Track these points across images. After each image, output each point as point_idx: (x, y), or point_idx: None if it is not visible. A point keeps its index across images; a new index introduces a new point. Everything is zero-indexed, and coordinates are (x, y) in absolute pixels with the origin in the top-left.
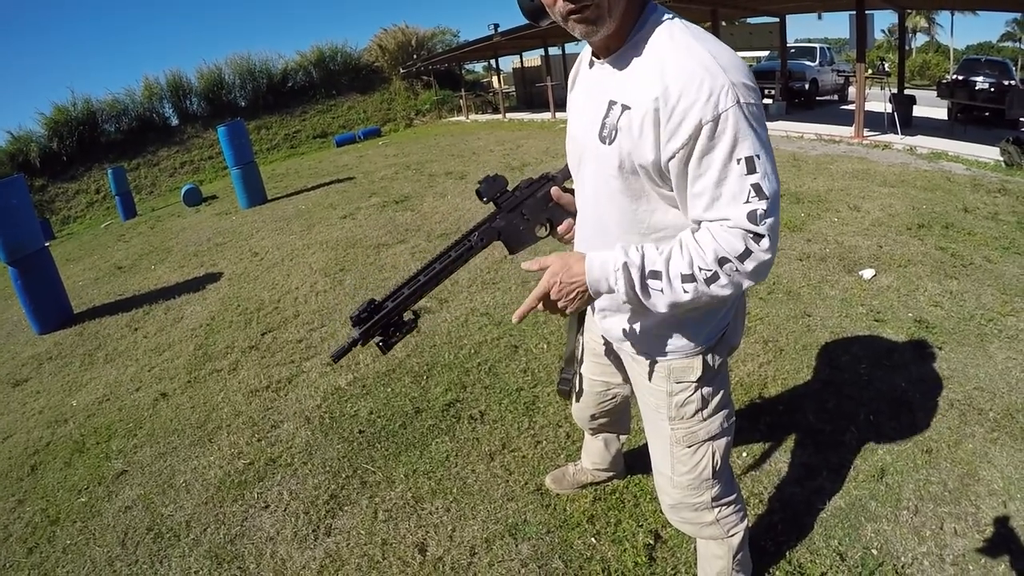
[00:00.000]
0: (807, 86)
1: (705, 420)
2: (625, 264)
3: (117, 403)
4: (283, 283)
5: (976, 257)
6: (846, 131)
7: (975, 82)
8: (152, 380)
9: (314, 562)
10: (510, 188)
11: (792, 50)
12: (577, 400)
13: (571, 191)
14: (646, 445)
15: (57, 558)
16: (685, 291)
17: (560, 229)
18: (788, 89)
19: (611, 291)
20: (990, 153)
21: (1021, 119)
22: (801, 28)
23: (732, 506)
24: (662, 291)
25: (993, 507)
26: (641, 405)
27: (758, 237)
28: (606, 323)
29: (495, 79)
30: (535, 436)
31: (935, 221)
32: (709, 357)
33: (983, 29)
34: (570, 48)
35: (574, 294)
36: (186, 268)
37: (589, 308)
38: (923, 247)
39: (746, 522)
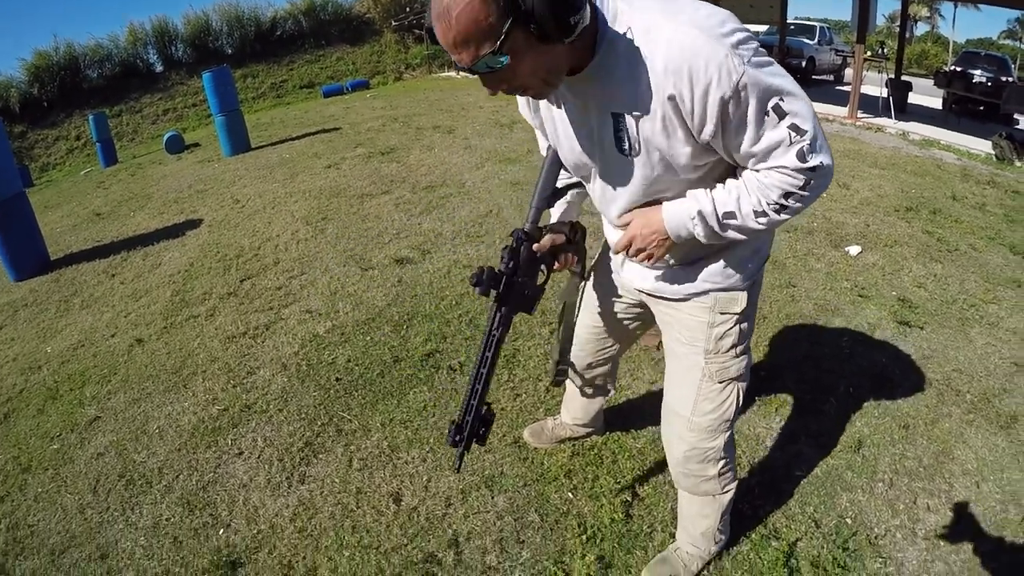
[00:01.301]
0: (804, 64)
1: (737, 357)
2: (700, 212)
3: (92, 349)
4: (264, 231)
5: (962, 244)
6: (840, 111)
7: (973, 75)
8: (128, 326)
9: (287, 509)
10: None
11: (791, 27)
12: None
13: (540, 228)
14: (627, 403)
15: (28, 506)
16: (760, 223)
17: (544, 247)
18: (785, 66)
19: (691, 236)
20: (981, 146)
21: (1015, 116)
22: (802, 6)
23: (731, 462)
24: (739, 227)
25: (966, 487)
26: (671, 344)
27: (812, 169)
28: (643, 277)
29: None
30: (514, 389)
31: (923, 206)
32: (751, 292)
33: (985, 24)
34: None
35: (656, 243)
36: (166, 215)
37: (596, 272)
38: (910, 229)
39: (736, 483)
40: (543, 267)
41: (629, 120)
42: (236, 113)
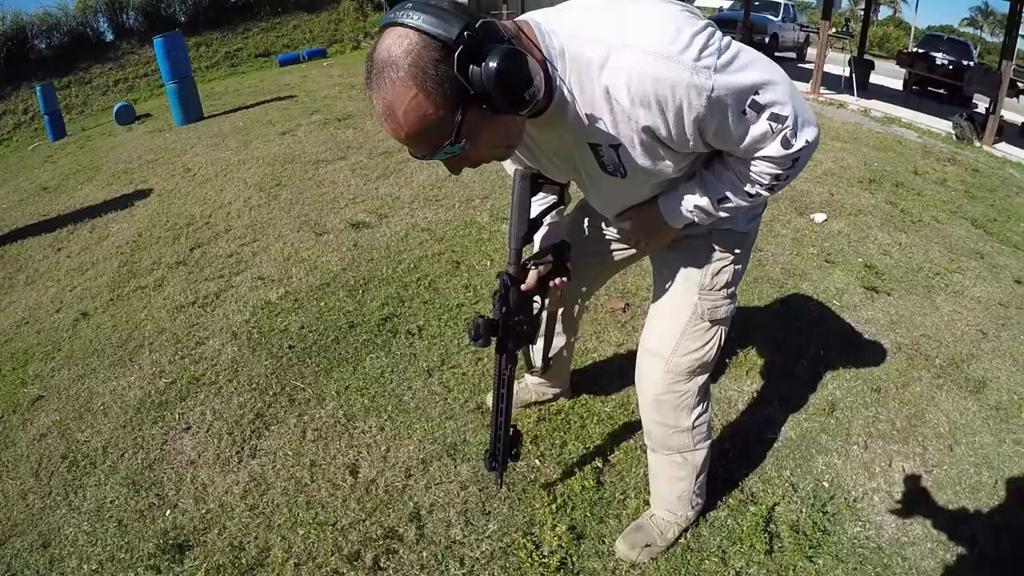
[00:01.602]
0: (767, 40)
1: (727, 299)
2: (696, 205)
3: (36, 326)
4: (215, 198)
5: (925, 216)
6: (802, 87)
7: (935, 57)
8: (73, 300)
9: (237, 486)
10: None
11: (756, 3)
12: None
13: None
14: (593, 367)
15: None
16: (752, 198)
17: (531, 286)
18: (749, 41)
19: (690, 222)
20: (941, 125)
21: (974, 100)
22: None
23: (705, 416)
24: (734, 207)
25: (940, 450)
26: (662, 282)
27: (799, 151)
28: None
29: None
30: (476, 353)
31: (886, 178)
32: (750, 233)
33: (946, 12)
34: None
35: (659, 235)
36: (114, 186)
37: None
38: (873, 200)
39: (710, 443)
40: (536, 299)
41: (606, 150)
42: (188, 80)
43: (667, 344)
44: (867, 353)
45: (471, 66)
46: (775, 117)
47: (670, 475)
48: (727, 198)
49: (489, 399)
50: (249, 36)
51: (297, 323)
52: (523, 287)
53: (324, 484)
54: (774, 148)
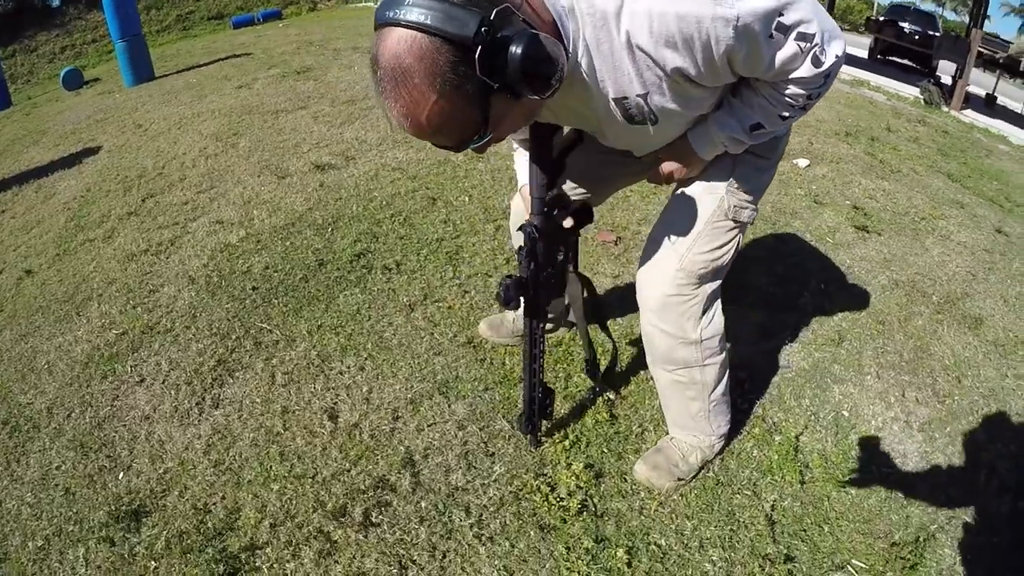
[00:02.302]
0: None
1: (751, 202)
2: (730, 136)
3: None
4: (169, 150)
5: (903, 167)
6: None
7: (903, 26)
8: (17, 260)
9: (198, 440)
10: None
11: None
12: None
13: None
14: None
15: None
16: (785, 120)
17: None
18: None
19: (723, 151)
20: (909, 91)
21: (937, 71)
22: None
23: (715, 329)
24: (767, 132)
25: (948, 381)
26: (683, 181)
27: (829, 67)
28: None
29: None
30: (462, 286)
31: (861, 133)
32: (782, 140)
33: None
34: None
35: (693, 167)
36: (62, 146)
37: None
38: (852, 151)
39: (725, 359)
40: (561, 249)
41: (636, 100)
42: (139, 39)
43: (684, 241)
44: (867, 288)
45: (493, 62)
46: (802, 36)
47: (679, 395)
48: (759, 125)
49: (483, 327)
50: None
51: (260, 264)
52: (566, 225)
53: (299, 432)
54: (805, 68)
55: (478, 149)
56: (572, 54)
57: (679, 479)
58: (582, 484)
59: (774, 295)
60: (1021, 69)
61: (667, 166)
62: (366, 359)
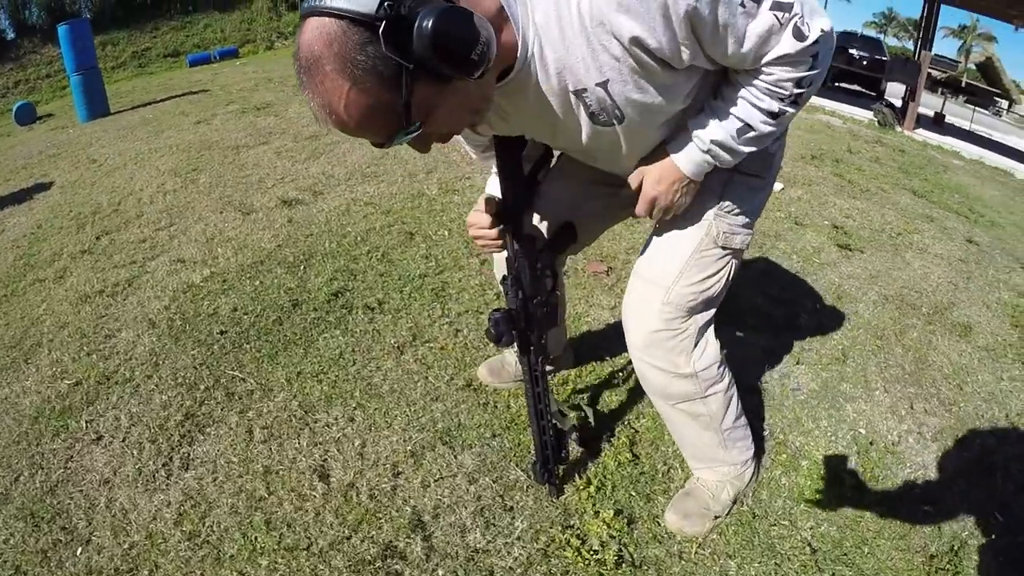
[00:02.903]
0: None
1: (744, 227)
2: (713, 141)
3: None
4: (125, 186)
5: (871, 186)
6: None
7: (852, 52)
8: None
9: (168, 508)
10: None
11: None
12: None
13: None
14: (589, 333)
15: None
16: (777, 119)
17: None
18: None
19: (713, 166)
20: (862, 114)
21: (886, 94)
22: None
23: (711, 359)
24: (757, 137)
25: (951, 389)
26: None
27: (815, 42)
28: None
29: None
30: (452, 324)
31: (825, 155)
32: (776, 156)
33: (848, 18)
34: None
35: (680, 192)
36: (12, 181)
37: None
38: (821, 173)
39: (729, 383)
40: (548, 273)
41: (596, 91)
42: (94, 72)
43: (670, 270)
44: (860, 304)
45: (403, 39)
46: (778, 5)
47: (689, 428)
48: (748, 126)
49: (483, 371)
50: (158, 35)
51: (228, 305)
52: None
53: (286, 496)
54: (787, 43)
55: (418, 144)
56: (523, 44)
57: (716, 517)
58: (615, 533)
59: (774, 317)
60: (963, 86)
61: (648, 189)
62: (355, 408)
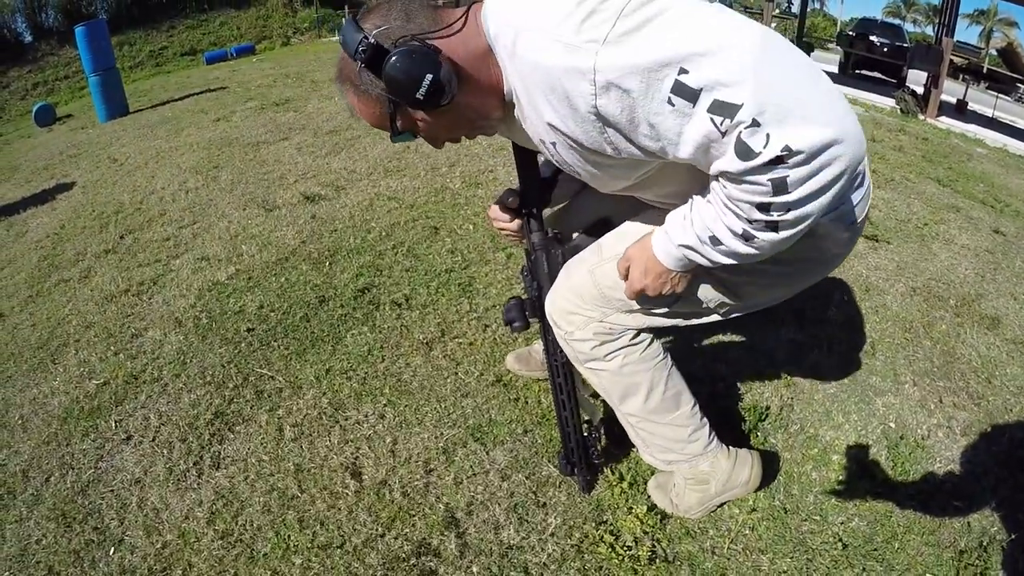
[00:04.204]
0: None
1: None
2: (682, 245)
3: None
4: (146, 185)
5: (895, 176)
6: None
7: (873, 39)
8: None
9: (200, 507)
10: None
11: None
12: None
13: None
14: None
15: None
16: (753, 248)
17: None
18: None
19: (694, 263)
20: (884, 102)
21: (907, 81)
22: None
23: (592, 342)
24: (731, 253)
25: (979, 382)
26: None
27: (775, 162)
28: None
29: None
30: (480, 319)
31: None
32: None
33: (868, 5)
34: None
35: (668, 283)
36: (34, 182)
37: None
38: None
39: (621, 367)
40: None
41: (550, 147)
42: (113, 72)
43: (617, 243)
44: (887, 296)
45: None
46: (720, 107)
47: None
48: (718, 240)
49: (511, 360)
50: (174, 34)
51: (254, 303)
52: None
53: (319, 494)
54: (727, 159)
55: (428, 141)
56: (505, 82)
57: (685, 511)
58: (648, 529)
59: (802, 310)
60: (984, 72)
61: (635, 280)
62: (385, 405)
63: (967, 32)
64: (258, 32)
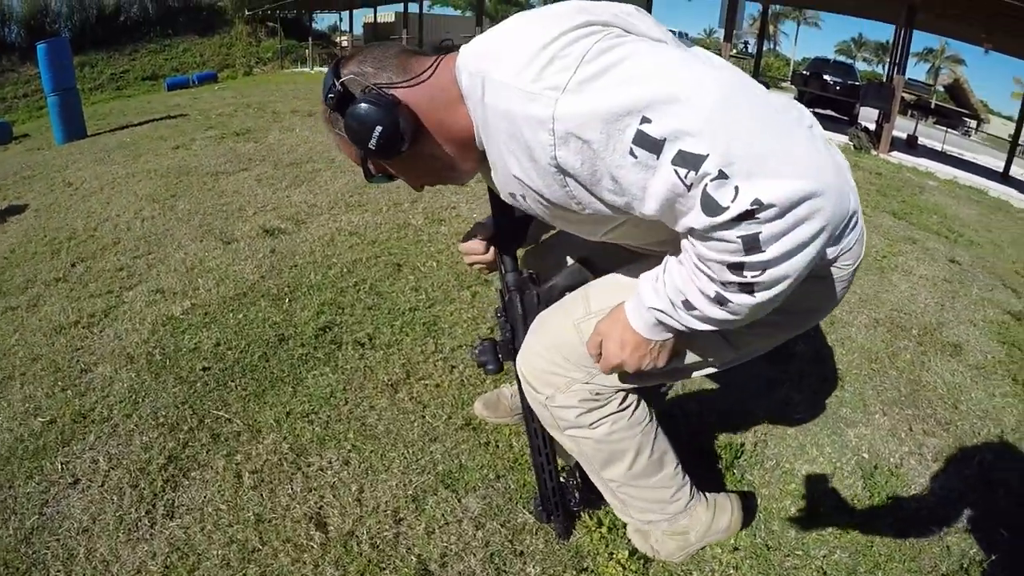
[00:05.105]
0: None
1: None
2: (652, 308)
3: None
4: (101, 211)
5: None
6: None
7: (826, 78)
8: None
9: (154, 560)
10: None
11: None
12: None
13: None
14: None
15: None
16: (721, 307)
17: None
18: None
19: (673, 330)
20: (838, 139)
21: (859, 119)
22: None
23: (577, 409)
24: (705, 318)
25: (946, 408)
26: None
27: (744, 217)
28: None
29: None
30: (447, 360)
31: None
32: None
33: (819, 44)
34: (428, 7)
35: (647, 356)
36: None
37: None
38: None
39: (608, 434)
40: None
41: (519, 198)
42: (72, 93)
43: (603, 300)
44: (852, 328)
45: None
46: (683, 158)
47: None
48: (691, 305)
49: (478, 406)
50: (136, 58)
51: (211, 339)
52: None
53: (282, 546)
54: (694, 216)
55: (408, 183)
56: (476, 133)
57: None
58: (631, 574)
59: None
60: (933, 108)
61: (610, 356)
62: (350, 451)
63: (915, 69)
64: (221, 60)
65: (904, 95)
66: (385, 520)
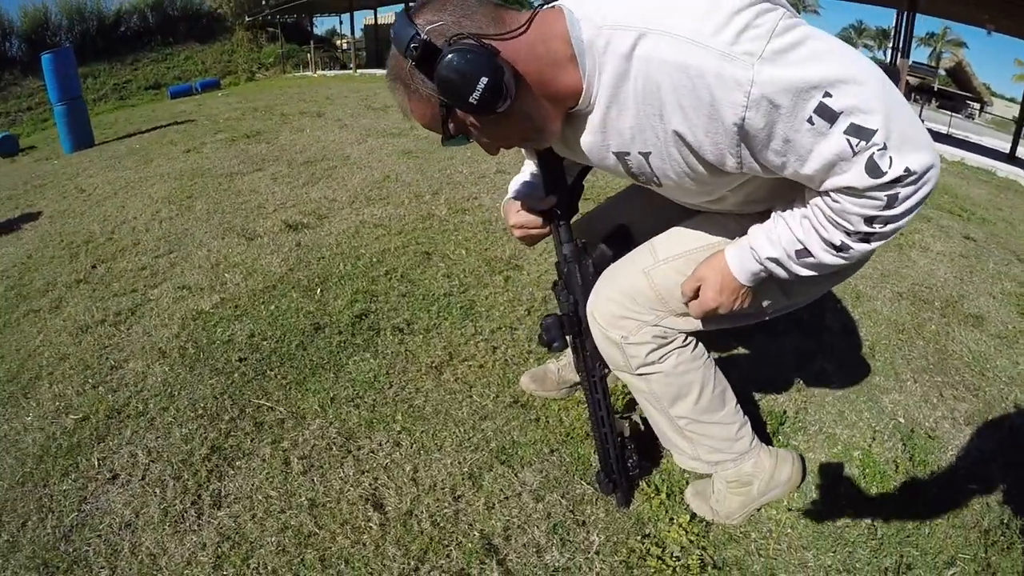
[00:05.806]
0: None
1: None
2: (768, 258)
3: None
4: (117, 215)
5: None
6: None
7: None
8: None
9: (203, 551)
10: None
11: None
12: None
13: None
14: None
15: None
16: (839, 252)
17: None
18: None
19: (771, 275)
20: None
21: None
22: None
23: (648, 346)
24: (817, 265)
25: (974, 375)
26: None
27: (895, 181)
28: None
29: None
30: (488, 341)
31: None
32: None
33: (822, 29)
34: None
35: (739, 299)
36: None
37: None
38: None
39: (675, 367)
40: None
41: (638, 157)
42: (79, 102)
43: (677, 246)
44: (877, 302)
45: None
46: (856, 130)
47: (640, 398)
48: (807, 251)
49: (526, 380)
50: (139, 67)
51: (244, 331)
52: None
53: (339, 529)
54: (855, 175)
55: (482, 147)
56: (586, 93)
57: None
58: (693, 538)
59: (800, 320)
60: (936, 91)
61: (708, 299)
62: (400, 432)
63: (916, 53)
64: (223, 67)
65: (908, 78)
66: (444, 498)
